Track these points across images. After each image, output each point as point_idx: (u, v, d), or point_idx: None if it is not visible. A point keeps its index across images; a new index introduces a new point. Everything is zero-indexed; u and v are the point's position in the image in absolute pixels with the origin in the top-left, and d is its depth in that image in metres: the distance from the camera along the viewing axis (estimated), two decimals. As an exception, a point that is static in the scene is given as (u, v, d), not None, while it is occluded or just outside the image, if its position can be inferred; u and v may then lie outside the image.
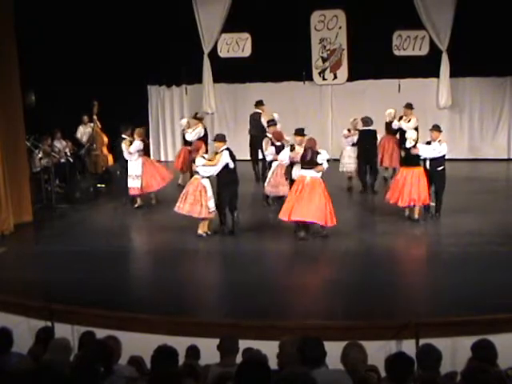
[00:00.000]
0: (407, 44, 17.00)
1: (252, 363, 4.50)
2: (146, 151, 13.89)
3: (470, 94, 17.38)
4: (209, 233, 11.17)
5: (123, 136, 13.43)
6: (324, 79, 17.98)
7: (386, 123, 14.78)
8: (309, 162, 10.65)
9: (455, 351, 6.60)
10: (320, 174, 10.74)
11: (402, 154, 11.94)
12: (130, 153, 13.23)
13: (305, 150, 10.79)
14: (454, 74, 16.94)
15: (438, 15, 16.37)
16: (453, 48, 16.58)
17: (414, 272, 9.77)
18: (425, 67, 16.82)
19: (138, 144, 13.24)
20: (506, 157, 17.39)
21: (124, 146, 13.32)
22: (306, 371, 4.45)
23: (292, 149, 11.20)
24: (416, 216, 11.60)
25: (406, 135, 11.81)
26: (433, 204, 11.74)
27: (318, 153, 10.71)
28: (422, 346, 5.59)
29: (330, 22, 17.49)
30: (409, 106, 14.45)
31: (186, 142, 15.02)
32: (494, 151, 17.43)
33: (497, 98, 17.24)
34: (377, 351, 6.32)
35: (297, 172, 10.98)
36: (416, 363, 5.01)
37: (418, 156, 11.48)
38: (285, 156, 11.37)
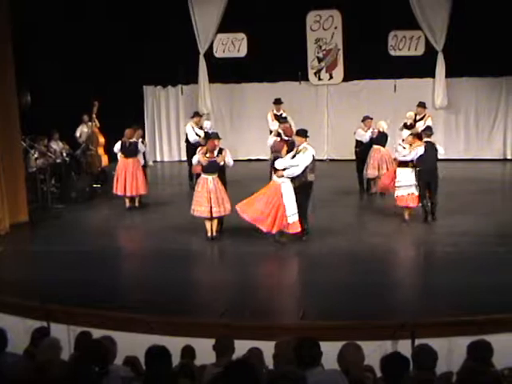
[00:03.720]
0: (403, 44, 17.04)
1: (238, 364, 4.48)
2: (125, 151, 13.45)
3: (465, 94, 17.41)
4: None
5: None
6: (320, 79, 18.00)
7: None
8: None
9: (451, 351, 6.60)
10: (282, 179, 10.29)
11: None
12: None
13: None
14: (449, 74, 17.00)
15: (433, 15, 16.43)
16: (448, 48, 16.65)
17: (410, 272, 9.79)
18: (420, 67, 16.85)
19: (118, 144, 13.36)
20: (501, 157, 17.44)
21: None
22: (297, 370, 4.45)
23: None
24: (406, 217, 11.59)
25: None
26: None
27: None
28: (418, 346, 5.58)
29: (325, 22, 17.52)
30: (421, 105, 14.27)
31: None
32: (490, 151, 17.47)
33: (492, 98, 17.29)
34: (372, 351, 6.31)
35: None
36: (412, 363, 5.01)
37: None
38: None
